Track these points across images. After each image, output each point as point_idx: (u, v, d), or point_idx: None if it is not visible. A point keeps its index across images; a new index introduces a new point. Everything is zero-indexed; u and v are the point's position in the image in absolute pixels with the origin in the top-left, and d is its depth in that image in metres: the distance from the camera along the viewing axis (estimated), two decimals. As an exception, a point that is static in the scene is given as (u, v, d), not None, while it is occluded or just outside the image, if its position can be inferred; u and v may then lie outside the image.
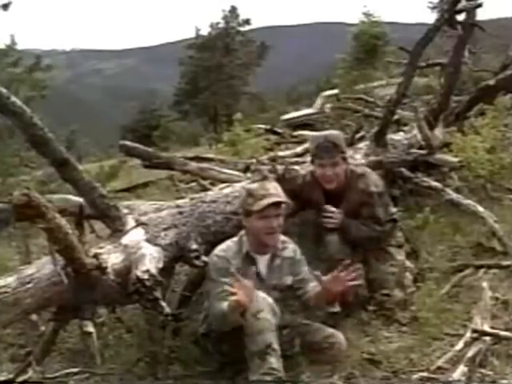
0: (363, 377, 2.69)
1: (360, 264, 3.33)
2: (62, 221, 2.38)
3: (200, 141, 16.76)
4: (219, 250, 2.88)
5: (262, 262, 2.89)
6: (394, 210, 3.63)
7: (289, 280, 2.92)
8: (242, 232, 2.92)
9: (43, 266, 2.59)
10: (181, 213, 3.23)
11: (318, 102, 17.72)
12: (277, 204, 2.82)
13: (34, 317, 3.17)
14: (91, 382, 2.82)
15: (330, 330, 2.86)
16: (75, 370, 2.86)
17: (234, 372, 2.78)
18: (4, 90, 2.49)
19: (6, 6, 6.85)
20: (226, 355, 2.78)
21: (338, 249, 3.27)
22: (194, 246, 3.03)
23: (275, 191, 2.86)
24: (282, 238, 2.95)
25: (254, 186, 2.93)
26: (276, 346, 2.55)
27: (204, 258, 2.98)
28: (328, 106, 16.81)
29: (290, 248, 2.98)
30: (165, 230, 3.07)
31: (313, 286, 2.88)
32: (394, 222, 3.56)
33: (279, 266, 2.92)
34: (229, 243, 2.90)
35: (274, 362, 2.53)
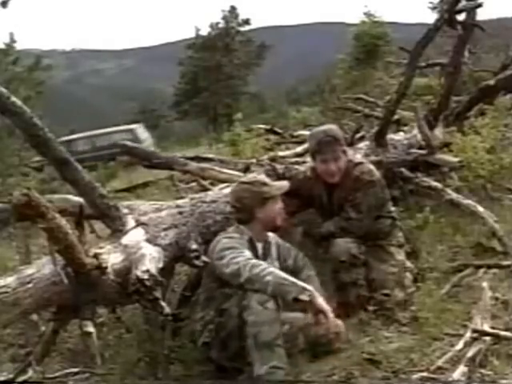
0: (363, 377, 2.69)
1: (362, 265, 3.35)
2: (62, 221, 2.37)
3: (200, 141, 16.76)
4: (225, 233, 2.94)
5: (259, 248, 2.98)
6: (393, 208, 3.63)
7: (277, 265, 2.99)
8: (241, 226, 2.98)
9: (43, 266, 2.58)
10: (181, 213, 3.23)
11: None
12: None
13: (34, 317, 3.16)
14: (91, 382, 2.82)
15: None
16: (75, 369, 2.86)
17: (235, 371, 2.77)
18: (4, 90, 2.49)
19: (4, 3, 6.83)
20: (232, 359, 2.74)
21: (342, 250, 3.27)
22: (194, 246, 3.03)
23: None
24: None
25: (259, 177, 3.08)
26: (281, 338, 2.57)
27: (204, 258, 2.98)
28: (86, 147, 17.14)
29: (271, 235, 3.10)
30: (165, 230, 3.07)
31: (306, 275, 3.02)
32: (393, 220, 3.56)
33: (270, 252, 3.04)
34: (229, 231, 2.97)
35: (283, 353, 2.53)
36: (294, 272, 3.01)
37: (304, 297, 2.47)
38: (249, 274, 2.57)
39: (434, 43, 4.78)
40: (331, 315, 2.53)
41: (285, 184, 3.02)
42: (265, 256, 2.97)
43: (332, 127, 3.59)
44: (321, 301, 2.52)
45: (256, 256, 2.87)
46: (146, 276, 2.49)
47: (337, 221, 3.37)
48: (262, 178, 3.06)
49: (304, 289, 2.51)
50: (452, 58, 5.39)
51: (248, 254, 2.72)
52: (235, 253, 2.71)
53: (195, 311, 3.04)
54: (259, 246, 2.98)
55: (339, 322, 2.76)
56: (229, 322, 2.69)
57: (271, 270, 2.58)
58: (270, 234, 3.08)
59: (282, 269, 2.91)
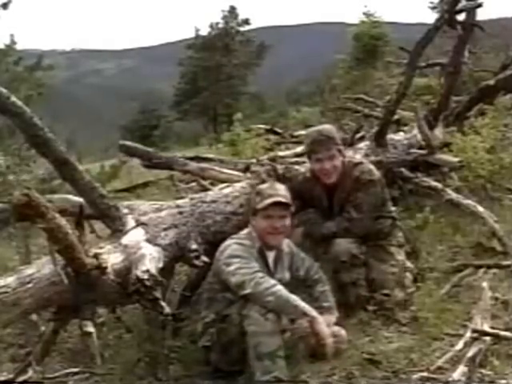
0: (363, 377, 2.69)
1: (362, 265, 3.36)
2: (62, 221, 2.37)
3: (200, 141, 16.74)
4: (236, 239, 2.87)
5: (270, 256, 2.93)
6: (393, 208, 3.63)
7: (287, 275, 2.96)
8: (250, 229, 2.93)
9: (43, 266, 2.58)
10: (181, 213, 3.23)
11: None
12: (282, 205, 2.84)
13: (34, 317, 3.16)
14: (91, 382, 2.82)
15: (334, 328, 2.83)
16: (75, 369, 2.86)
17: (234, 373, 2.77)
18: (4, 90, 2.49)
19: (5, 5, 6.83)
20: (232, 364, 2.74)
21: (343, 250, 3.27)
22: (194, 246, 3.03)
23: (284, 193, 2.89)
24: None
25: (264, 185, 2.98)
26: (282, 349, 2.56)
27: (204, 258, 2.98)
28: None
29: (285, 242, 3.03)
30: (165, 230, 3.07)
31: (319, 291, 2.95)
32: (393, 220, 3.56)
33: (282, 261, 2.97)
34: (241, 236, 2.91)
35: (284, 365, 2.53)
36: (306, 283, 3.00)
37: (303, 322, 2.56)
38: (252, 291, 2.59)
39: (433, 43, 4.79)
40: (329, 340, 2.56)
41: (268, 201, 2.82)
42: (275, 265, 2.93)
43: (326, 126, 3.60)
44: (321, 327, 2.55)
45: (266, 265, 2.86)
46: (146, 276, 2.49)
47: (339, 221, 3.37)
48: (265, 187, 2.95)
49: (304, 314, 2.55)
50: (452, 58, 5.39)
51: (255, 265, 2.71)
52: (242, 263, 2.70)
53: (197, 309, 3.03)
54: (270, 254, 2.93)
55: (343, 333, 2.78)
56: (230, 328, 2.68)
57: (274, 290, 2.57)
58: (285, 242, 3.02)
59: (293, 278, 2.94)
